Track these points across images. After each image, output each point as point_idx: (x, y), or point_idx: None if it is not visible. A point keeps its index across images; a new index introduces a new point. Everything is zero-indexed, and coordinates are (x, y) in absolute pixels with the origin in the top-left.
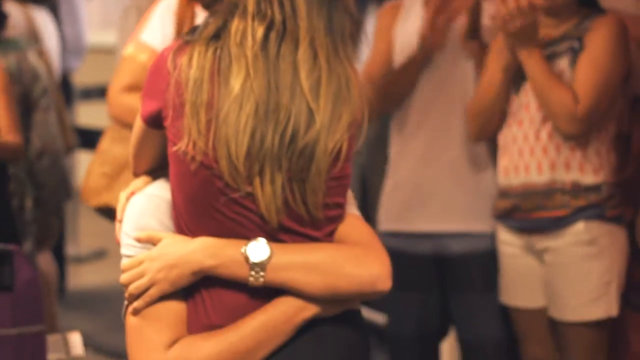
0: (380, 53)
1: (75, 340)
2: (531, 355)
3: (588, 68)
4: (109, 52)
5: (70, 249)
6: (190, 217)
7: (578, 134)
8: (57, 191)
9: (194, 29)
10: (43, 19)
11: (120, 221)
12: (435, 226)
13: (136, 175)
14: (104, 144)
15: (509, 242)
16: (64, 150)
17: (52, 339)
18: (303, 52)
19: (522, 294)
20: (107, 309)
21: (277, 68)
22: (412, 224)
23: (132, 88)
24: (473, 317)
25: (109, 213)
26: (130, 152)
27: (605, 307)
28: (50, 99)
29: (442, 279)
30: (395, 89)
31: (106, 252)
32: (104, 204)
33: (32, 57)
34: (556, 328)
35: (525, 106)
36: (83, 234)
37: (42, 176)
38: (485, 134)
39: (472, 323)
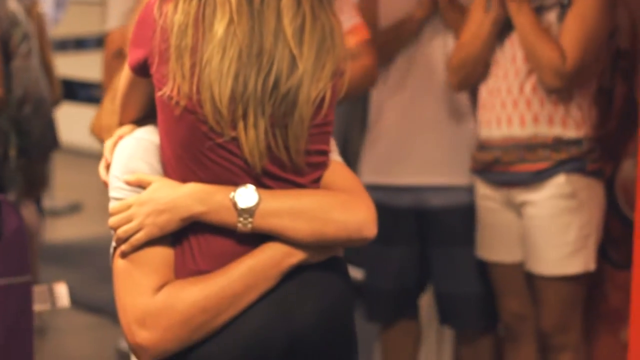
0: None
1: (61, 291)
2: (508, 309)
3: (575, 24)
4: (82, 4)
5: (46, 202)
6: (178, 163)
7: (563, 88)
8: (43, 139)
9: None
10: None
11: (108, 164)
12: (416, 179)
13: (122, 124)
14: (115, 80)
15: (487, 196)
16: (50, 98)
17: (37, 290)
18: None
19: (500, 249)
20: (83, 262)
21: (261, 14)
22: (393, 176)
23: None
24: (451, 270)
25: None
26: (117, 101)
27: (584, 261)
28: (32, 45)
29: (422, 232)
30: (385, 48)
31: (81, 206)
32: (96, 128)
33: (12, 3)
34: (533, 282)
35: (511, 59)
36: (58, 188)
37: (26, 124)
38: (467, 84)
39: (450, 277)
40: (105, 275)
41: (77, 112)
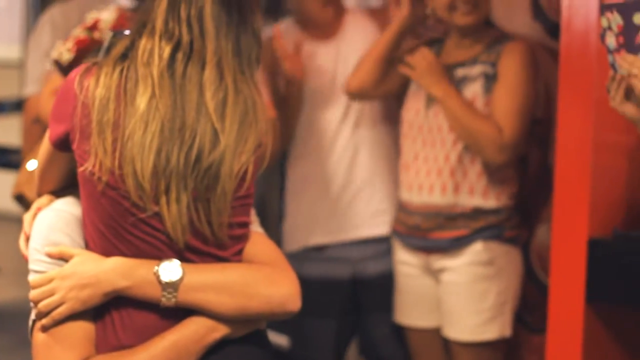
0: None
1: None
2: None
3: (505, 97)
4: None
5: None
6: (101, 237)
7: (506, 161)
8: None
9: (104, 49)
10: None
11: (28, 237)
12: (345, 235)
13: (40, 195)
14: (35, 146)
15: (405, 261)
16: None
17: None
18: (209, 73)
19: (417, 314)
20: (3, 327)
21: (183, 88)
22: (323, 236)
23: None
24: (371, 336)
25: (22, 201)
26: (36, 172)
27: (500, 327)
28: None
29: (355, 300)
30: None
31: (0, 270)
32: (19, 192)
33: None
34: (450, 348)
35: (437, 128)
36: None
37: None
38: (362, 88)
39: (370, 342)
40: (23, 341)
41: None
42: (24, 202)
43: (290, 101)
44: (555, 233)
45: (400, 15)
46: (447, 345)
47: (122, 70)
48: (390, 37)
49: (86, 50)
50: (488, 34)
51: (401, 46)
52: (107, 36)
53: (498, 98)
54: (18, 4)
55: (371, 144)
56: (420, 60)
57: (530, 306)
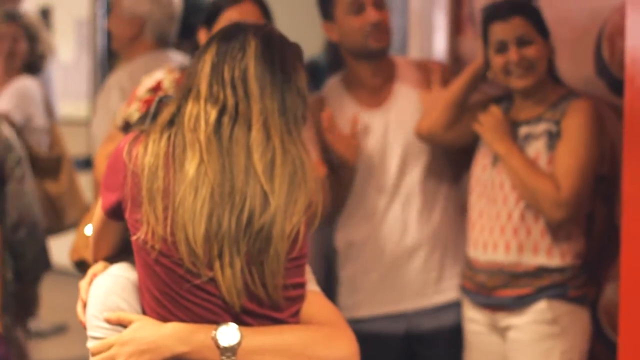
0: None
1: None
2: None
3: (568, 155)
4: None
5: (31, 324)
6: (158, 304)
7: (565, 219)
8: (36, 262)
9: (147, 116)
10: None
11: (85, 303)
12: (406, 305)
13: (95, 261)
14: (94, 206)
15: (474, 319)
16: (42, 220)
17: None
18: (256, 134)
19: None
20: None
21: (231, 151)
22: (384, 306)
23: None
24: None
25: (83, 267)
26: (91, 239)
27: None
28: (25, 169)
29: (413, 355)
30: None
31: (67, 327)
32: (79, 258)
33: (4, 128)
34: None
35: (499, 185)
36: (43, 308)
37: (20, 247)
38: (433, 132)
39: None
40: None
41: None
42: (83, 267)
43: (342, 179)
44: (623, 292)
45: (475, 62)
46: None
47: (169, 137)
48: (463, 82)
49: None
50: (553, 91)
51: (474, 93)
52: (172, 92)
53: (560, 156)
54: (85, 61)
55: (422, 215)
56: (489, 116)
57: None
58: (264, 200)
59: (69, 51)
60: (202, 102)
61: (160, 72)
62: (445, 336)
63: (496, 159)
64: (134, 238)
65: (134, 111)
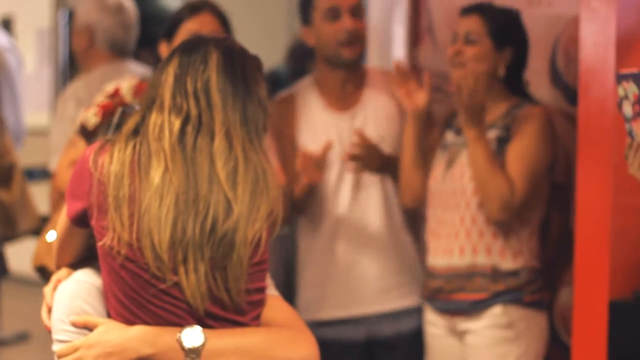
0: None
1: None
2: None
3: (518, 158)
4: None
5: None
6: (123, 308)
7: (506, 220)
8: None
9: (111, 126)
10: None
11: (50, 308)
12: (367, 309)
13: (59, 267)
14: (55, 213)
15: (433, 323)
16: (25, 225)
17: None
18: (219, 143)
19: None
20: None
21: (195, 160)
22: (343, 310)
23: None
24: None
25: (44, 273)
26: (54, 246)
27: None
28: None
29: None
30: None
31: (29, 335)
32: (41, 264)
33: None
34: None
35: (452, 192)
36: (4, 316)
37: None
38: (417, 203)
39: None
40: None
41: (24, 241)
42: (45, 273)
43: (301, 194)
44: (577, 296)
45: (412, 108)
46: None
47: (134, 146)
48: (412, 141)
49: (111, 115)
50: (505, 100)
51: (426, 138)
52: (130, 99)
53: (510, 158)
54: (47, 71)
55: (382, 219)
56: (472, 99)
57: None
58: (227, 207)
59: (30, 61)
60: (165, 112)
61: (124, 81)
62: (406, 341)
63: (449, 163)
64: (100, 244)
65: (91, 115)
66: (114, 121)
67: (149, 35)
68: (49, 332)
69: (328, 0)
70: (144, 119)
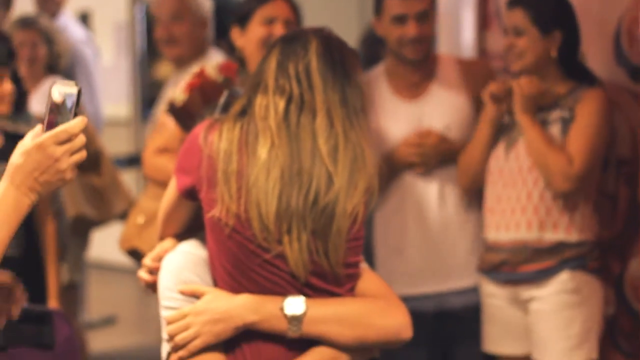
0: None
1: None
2: None
3: (580, 136)
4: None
5: (81, 316)
6: (229, 277)
7: (571, 191)
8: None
9: (222, 108)
10: None
11: (149, 269)
12: (437, 287)
13: (162, 238)
14: (143, 199)
15: (494, 294)
16: (83, 207)
17: None
18: (320, 121)
19: (507, 342)
20: None
21: (298, 136)
22: (415, 288)
23: (162, 150)
24: None
25: (135, 255)
26: (160, 218)
27: (587, 352)
28: None
29: (444, 332)
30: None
31: (115, 319)
32: (131, 246)
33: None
34: None
35: (517, 169)
36: (92, 301)
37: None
38: (476, 185)
39: None
40: None
41: (108, 228)
42: (137, 255)
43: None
44: None
45: (488, 113)
46: None
47: (242, 125)
48: (484, 141)
49: (198, 92)
50: (562, 84)
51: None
52: (215, 75)
53: (572, 135)
54: (125, 64)
55: (457, 201)
56: (525, 85)
57: (627, 335)
58: (328, 181)
59: (108, 54)
60: (270, 94)
61: (207, 63)
62: (473, 313)
63: (509, 145)
64: (208, 216)
65: (179, 93)
66: (221, 102)
67: (222, 24)
68: (144, 285)
69: (397, 6)
70: (249, 101)
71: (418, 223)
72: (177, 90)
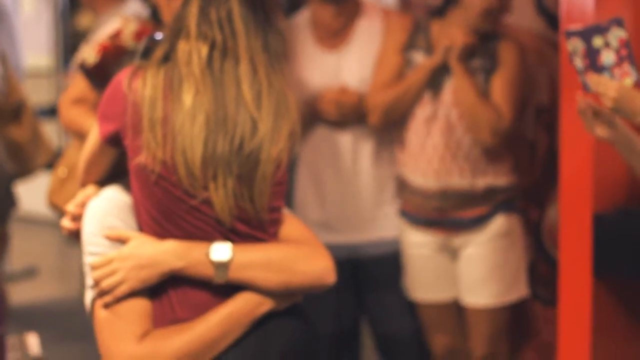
0: None
1: (33, 341)
2: (442, 344)
3: (505, 88)
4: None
5: (2, 266)
6: (154, 223)
7: (498, 145)
8: (2, 201)
9: (142, 54)
10: None
11: (73, 216)
12: (350, 237)
13: (84, 185)
14: (67, 151)
15: (420, 243)
16: (4, 160)
17: (10, 341)
18: (244, 67)
19: (435, 289)
20: (44, 324)
21: (222, 82)
22: (328, 235)
23: (78, 101)
24: (385, 312)
25: (58, 209)
26: (81, 165)
27: (520, 288)
28: None
29: (355, 279)
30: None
31: (37, 270)
32: (52, 202)
33: None
34: (468, 317)
35: (444, 117)
36: (14, 253)
37: None
38: (390, 123)
39: (384, 318)
40: (65, 337)
41: (30, 180)
42: (58, 209)
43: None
44: (562, 211)
45: (433, 59)
46: (464, 315)
47: (166, 71)
48: (419, 81)
49: (110, 55)
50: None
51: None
52: (130, 43)
53: (496, 88)
54: (45, 14)
55: (372, 149)
56: (459, 36)
57: (545, 282)
58: (252, 126)
59: (29, 4)
60: (192, 40)
61: (117, 21)
62: (387, 262)
63: (436, 92)
64: (134, 162)
65: (91, 54)
66: (140, 48)
67: None
68: (67, 233)
69: None
70: (172, 47)
71: (333, 174)
72: (88, 48)
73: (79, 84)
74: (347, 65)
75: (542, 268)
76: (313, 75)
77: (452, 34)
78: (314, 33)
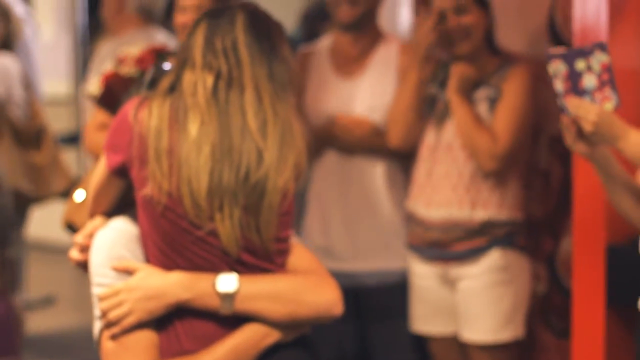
0: None
1: None
2: None
3: (505, 114)
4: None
5: (19, 295)
6: (161, 254)
7: (497, 170)
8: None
9: (149, 84)
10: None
11: (81, 248)
12: (353, 265)
13: (92, 216)
14: (86, 176)
15: (423, 275)
16: (22, 182)
17: None
18: (249, 97)
19: (437, 322)
20: (62, 353)
21: (227, 112)
22: (331, 262)
23: (102, 126)
24: (388, 344)
25: (73, 230)
26: (89, 196)
27: (515, 329)
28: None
29: (358, 310)
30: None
31: (54, 299)
32: (68, 220)
33: None
34: (468, 351)
35: (447, 146)
36: (31, 281)
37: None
38: (405, 140)
39: (384, 350)
40: None
41: (48, 207)
42: (73, 230)
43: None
44: (575, 242)
45: (414, 73)
46: (465, 349)
47: (171, 102)
48: (415, 83)
49: (113, 84)
50: (491, 60)
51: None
52: (132, 70)
53: (498, 114)
54: (66, 40)
55: (382, 178)
56: (458, 68)
57: (558, 312)
58: (258, 156)
59: (49, 30)
60: (198, 70)
61: (133, 48)
62: (390, 292)
63: (440, 121)
64: (140, 194)
65: (95, 84)
66: (147, 78)
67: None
68: (75, 264)
69: None
70: (178, 78)
71: (339, 200)
72: (94, 80)
73: (98, 112)
74: (360, 93)
75: (556, 299)
76: (328, 102)
77: (456, 66)
78: (332, 60)
